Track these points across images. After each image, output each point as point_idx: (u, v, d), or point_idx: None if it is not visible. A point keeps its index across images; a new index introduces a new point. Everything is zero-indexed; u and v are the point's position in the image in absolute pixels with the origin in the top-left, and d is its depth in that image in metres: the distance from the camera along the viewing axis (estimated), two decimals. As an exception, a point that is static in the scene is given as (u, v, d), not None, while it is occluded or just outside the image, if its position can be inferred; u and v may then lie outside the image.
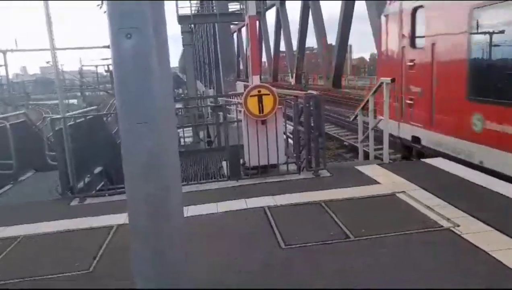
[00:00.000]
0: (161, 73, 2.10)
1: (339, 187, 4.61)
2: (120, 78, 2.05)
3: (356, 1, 27.63)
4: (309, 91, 6.25)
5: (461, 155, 5.56)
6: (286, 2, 42.10)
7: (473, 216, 3.53)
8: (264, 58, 53.12)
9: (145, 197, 2.01)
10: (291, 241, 3.31)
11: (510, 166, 4.71)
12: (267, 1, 41.30)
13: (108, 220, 4.04)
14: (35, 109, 38.33)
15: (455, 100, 5.65)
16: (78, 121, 5.77)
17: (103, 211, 4.33)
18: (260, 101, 5.24)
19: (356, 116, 7.23)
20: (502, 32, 4.89)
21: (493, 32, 5.01)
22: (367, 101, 6.47)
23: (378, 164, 5.66)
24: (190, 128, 11.30)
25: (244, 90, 5.57)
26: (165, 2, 2.31)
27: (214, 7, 26.25)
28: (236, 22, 30.49)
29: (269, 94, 5.25)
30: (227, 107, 9.06)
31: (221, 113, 7.80)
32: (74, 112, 6.48)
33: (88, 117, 6.26)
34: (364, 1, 23.64)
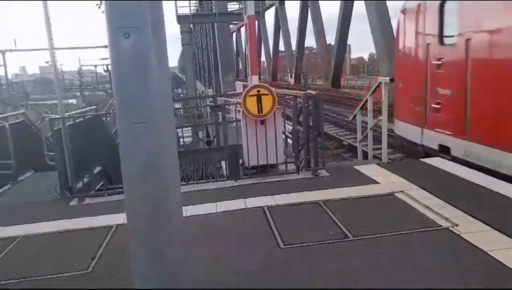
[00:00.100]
0: (160, 72, 2.10)
1: (338, 187, 4.61)
2: (118, 78, 2.04)
3: (355, 1, 27.66)
4: (308, 91, 6.25)
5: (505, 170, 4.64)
6: (285, 2, 42.12)
7: (472, 216, 3.53)
8: (263, 58, 53.15)
9: (143, 197, 2.01)
10: (290, 241, 3.31)
11: None
12: (266, 0, 41.31)
13: (107, 220, 4.03)
14: (34, 109, 38.29)
15: (499, 104, 4.76)
16: (77, 121, 5.76)
17: (102, 211, 4.33)
18: (259, 101, 5.24)
19: (355, 115, 7.23)
20: None
21: None
22: (366, 100, 6.47)
23: (377, 164, 5.66)
24: (189, 128, 11.30)
25: (243, 90, 5.56)
26: (164, 1, 2.31)
27: (213, 7, 26.24)
28: (235, 22, 30.50)
29: (268, 94, 5.25)
30: (226, 107, 9.06)
31: (220, 113, 7.80)
32: (73, 112, 6.48)
33: (87, 117, 6.24)
34: (363, 1, 23.65)
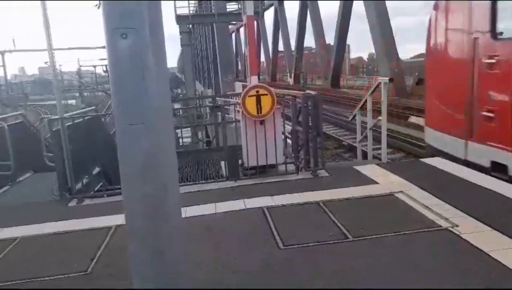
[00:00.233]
0: (158, 73, 2.09)
1: (337, 187, 4.60)
2: (116, 78, 2.04)
3: (354, 1, 27.65)
4: (307, 91, 6.25)
5: None
6: (284, 2, 42.13)
7: (472, 216, 3.53)
8: (262, 58, 53.15)
9: (142, 198, 2.00)
10: (289, 241, 3.30)
11: None
12: (265, 1, 41.33)
13: (106, 221, 4.02)
14: (33, 110, 38.26)
15: None
16: (76, 121, 5.75)
17: (101, 212, 4.32)
18: (258, 101, 5.23)
19: (355, 116, 7.22)
20: None
21: None
22: (366, 101, 6.46)
23: (377, 164, 5.66)
24: (189, 129, 11.29)
25: (243, 90, 5.56)
26: (163, 2, 2.30)
27: (212, 7, 26.24)
28: (235, 22, 30.51)
29: (267, 94, 5.24)
30: (226, 107, 9.06)
31: (219, 114, 7.80)
32: (72, 113, 6.45)
33: (86, 118, 6.23)
34: (362, 1, 23.64)
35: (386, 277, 2.73)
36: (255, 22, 7.38)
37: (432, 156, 6.04)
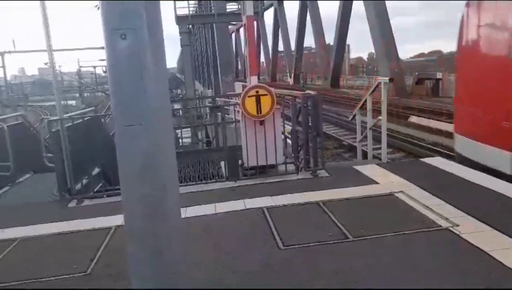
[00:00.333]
0: (157, 73, 2.09)
1: (337, 187, 4.60)
2: (115, 79, 2.04)
3: (354, 1, 27.66)
4: (307, 91, 6.24)
5: None
6: (284, 2, 42.15)
7: (472, 216, 3.52)
8: (262, 58, 53.18)
9: (141, 198, 2.00)
10: (289, 241, 3.30)
11: None
12: (265, 1, 41.35)
13: (106, 221, 4.02)
14: (33, 111, 38.26)
15: None
16: (75, 122, 5.75)
17: (101, 212, 4.31)
18: (258, 101, 5.23)
19: (355, 115, 7.21)
20: None
21: None
22: (366, 100, 6.45)
23: (377, 164, 5.65)
24: (189, 129, 11.29)
25: (242, 91, 5.55)
26: (162, 2, 2.30)
27: (212, 8, 26.24)
28: (234, 23, 30.53)
29: (267, 95, 5.24)
30: (225, 107, 9.05)
31: (219, 114, 7.79)
32: (71, 114, 6.45)
33: (85, 119, 6.22)
34: (362, 1, 23.65)
35: (386, 277, 2.72)
36: (254, 22, 7.37)
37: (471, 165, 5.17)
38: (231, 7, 26.56)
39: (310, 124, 5.32)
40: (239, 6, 20.91)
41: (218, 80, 26.59)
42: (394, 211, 3.83)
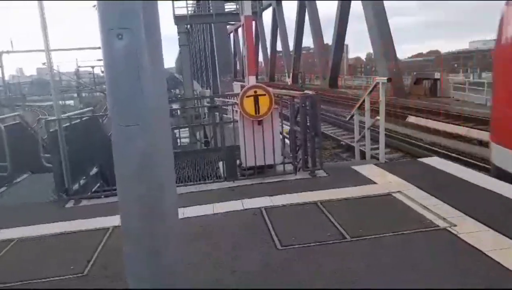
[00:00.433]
0: (154, 73, 2.08)
1: (335, 187, 4.60)
2: (112, 79, 2.03)
3: (352, 1, 27.68)
4: (305, 91, 6.24)
5: None
6: (283, 2, 42.16)
7: (470, 216, 3.52)
8: (260, 58, 53.16)
9: (137, 198, 1.99)
10: (287, 242, 3.29)
11: None
12: (263, 0, 41.35)
13: (103, 222, 4.00)
14: (31, 111, 38.18)
15: None
16: (73, 122, 5.73)
17: (98, 213, 4.30)
18: (256, 101, 5.22)
19: (353, 115, 7.21)
20: None
21: None
22: (364, 100, 6.45)
23: (375, 164, 5.66)
24: (187, 129, 11.27)
25: (241, 91, 5.55)
26: (161, 2, 2.29)
27: (211, 8, 26.24)
28: (233, 23, 30.54)
29: (265, 95, 5.24)
30: (224, 107, 9.04)
31: (217, 114, 7.78)
32: (69, 114, 6.43)
33: (83, 119, 6.20)
34: (360, 0, 23.66)
35: (384, 277, 2.72)
36: (253, 22, 7.37)
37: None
38: (230, 7, 26.57)
39: (308, 124, 5.31)
40: (237, 6, 20.92)
41: (216, 80, 26.59)
42: (392, 211, 3.83)
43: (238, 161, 5.47)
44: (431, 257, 2.93)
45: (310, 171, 5.28)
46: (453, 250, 3.02)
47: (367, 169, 5.27)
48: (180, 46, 25.51)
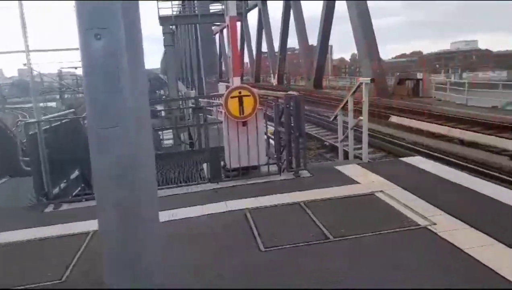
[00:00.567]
0: (134, 74, 2.05)
1: (319, 187, 4.61)
2: (90, 80, 1.99)
3: (337, 0, 27.83)
4: (289, 92, 6.25)
5: None
6: (268, 2, 42.23)
7: (450, 214, 3.58)
8: (246, 59, 53.16)
9: (115, 202, 1.96)
10: (270, 243, 3.29)
11: None
12: (249, 1, 41.34)
13: (84, 226, 3.92)
14: (11, 113, 37.28)
15: None
16: (54, 125, 5.62)
17: (79, 217, 4.21)
18: (240, 102, 5.21)
19: (336, 116, 7.26)
20: None
21: None
22: (347, 101, 6.50)
23: (358, 164, 5.71)
24: (171, 130, 11.18)
25: (226, 91, 5.52)
26: (146, 2, 2.26)
27: (196, 8, 26.12)
28: (218, 23, 30.48)
29: (249, 95, 5.23)
30: (208, 108, 9.00)
31: (201, 115, 7.73)
32: (49, 116, 6.30)
33: (64, 121, 6.08)
34: (344, 1, 23.83)
35: (367, 276, 2.74)
36: (238, 23, 7.35)
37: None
38: (215, 7, 26.51)
39: (292, 124, 5.32)
40: (223, 6, 20.87)
41: (201, 81, 26.45)
42: (374, 210, 3.87)
43: (222, 163, 5.44)
44: (413, 256, 2.96)
45: (294, 171, 5.30)
46: (433, 248, 3.06)
47: (350, 169, 5.31)
48: (165, 46, 25.34)
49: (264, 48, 45.73)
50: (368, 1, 22.83)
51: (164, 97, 31.44)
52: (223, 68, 53.89)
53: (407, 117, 14.68)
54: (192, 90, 29.57)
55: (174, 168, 6.35)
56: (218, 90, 16.91)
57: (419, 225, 3.44)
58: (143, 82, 2.19)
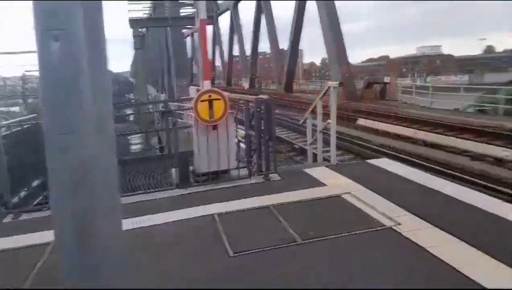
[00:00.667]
0: (96, 77, 1.98)
1: (288, 190, 4.64)
2: (47, 83, 1.90)
3: (307, 1, 28.12)
4: (260, 96, 6.26)
5: None
6: (239, 5, 42.33)
7: (414, 214, 3.69)
8: (218, 63, 53.02)
9: (72, 212, 1.87)
10: (239, 248, 3.26)
11: None
12: (219, 1, 41.24)
13: (44, 236, 3.72)
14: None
15: None
16: (14, 130, 5.37)
17: (39, 227, 4.00)
18: (211, 106, 5.17)
19: (306, 119, 7.34)
20: None
21: None
22: (316, 104, 6.59)
23: (326, 166, 5.79)
24: (140, 135, 10.96)
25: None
26: (119, 3, 2.20)
27: (166, 11, 25.81)
28: (190, 26, 30.21)
29: (220, 99, 5.20)
30: (179, 112, 8.87)
31: (171, 119, 7.61)
32: (9, 121, 6.01)
33: (25, 126, 5.82)
34: (314, 1, 24.04)
35: (335, 277, 2.77)
36: (207, 26, 7.28)
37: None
38: (186, 11, 26.30)
39: (263, 128, 5.34)
40: (194, 9, 20.75)
41: (172, 84, 26.12)
42: (341, 212, 3.93)
43: (191, 167, 5.37)
44: (379, 256, 3.02)
45: (264, 175, 5.30)
46: (398, 248, 3.14)
47: (319, 172, 5.38)
48: (135, 49, 24.91)
49: (236, 51, 45.81)
50: (336, 2, 23.19)
51: (133, 101, 30.79)
52: (194, 72, 53.44)
53: (373, 120, 15.07)
54: (162, 93, 29.15)
55: (142, 174, 6.20)
56: (189, 94, 16.72)
57: (384, 225, 3.52)
58: (105, 85, 2.12)
